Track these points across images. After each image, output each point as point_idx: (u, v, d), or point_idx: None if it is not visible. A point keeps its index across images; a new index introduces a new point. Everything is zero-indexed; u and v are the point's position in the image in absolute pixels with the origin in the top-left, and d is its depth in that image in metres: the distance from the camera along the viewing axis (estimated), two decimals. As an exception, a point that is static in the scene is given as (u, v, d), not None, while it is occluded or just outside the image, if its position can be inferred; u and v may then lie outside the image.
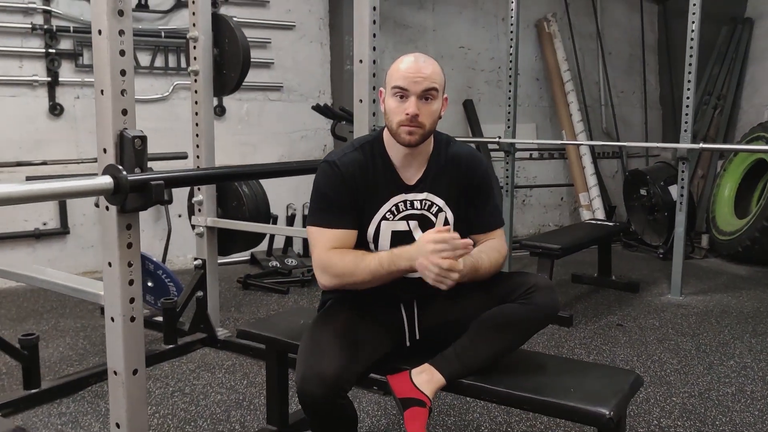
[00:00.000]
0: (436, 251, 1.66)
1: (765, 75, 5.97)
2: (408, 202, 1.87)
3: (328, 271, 1.79)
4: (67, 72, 4.53)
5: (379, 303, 1.91)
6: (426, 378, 1.77)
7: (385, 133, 1.88)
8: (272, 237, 4.89)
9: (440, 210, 1.89)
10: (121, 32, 1.71)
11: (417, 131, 1.77)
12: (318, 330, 1.82)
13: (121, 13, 1.70)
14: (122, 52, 1.71)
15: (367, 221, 1.86)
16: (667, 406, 2.66)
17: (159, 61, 4.80)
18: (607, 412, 1.58)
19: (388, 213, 1.86)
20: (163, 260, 4.63)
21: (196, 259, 3.23)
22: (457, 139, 2.01)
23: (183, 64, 4.86)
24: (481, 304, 1.85)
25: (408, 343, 1.94)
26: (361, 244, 1.87)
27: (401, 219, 1.87)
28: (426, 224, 1.88)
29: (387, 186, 1.86)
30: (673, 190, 5.18)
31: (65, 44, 4.51)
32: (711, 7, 4.09)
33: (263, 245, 4.68)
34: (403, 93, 1.77)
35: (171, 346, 3.08)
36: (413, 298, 1.93)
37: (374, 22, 2.60)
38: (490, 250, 1.88)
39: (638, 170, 5.76)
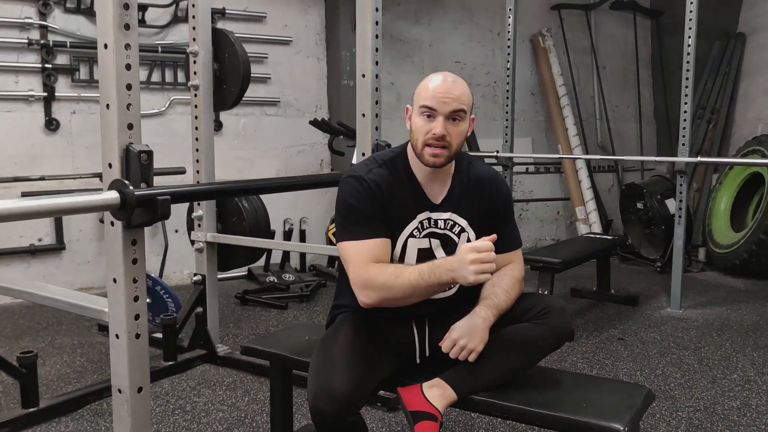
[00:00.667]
0: (476, 262, 1.62)
1: (758, 89, 6.01)
2: (432, 221, 1.86)
3: (368, 287, 1.72)
4: (63, 87, 4.52)
5: (390, 320, 1.90)
6: (438, 392, 1.75)
7: (409, 150, 1.86)
8: (269, 252, 4.86)
9: (463, 230, 1.89)
10: (128, 46, 1.69)
11: (443, 153, 1.76)
12: (329, 347, 1.80)
13: (127, 27, 1.69)
14: (128, 66, 1.70)
15: (393, 239, 1.83)
16: (673, 420, 2.64)
17: (156, 76, 4.79)
18: (622, 428, 1.57)
19: (415, 230, 1.85)
20: (160, 276, 4.59)
21: (195, 274, 3.20)
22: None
23: (180, 79, 4.86)
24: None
25: (418, 360, 1.92)
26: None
27: (425, 236, 1.85)
28: (448, 244, 1.87)
29: (413, 203, 1.84)
30: (670, 203, 5.20)
31: (61, 59, 4.50)
32: (704, 23, 4.13)
33: (260, 260, 4.66)
34: (430, 113, 1.75)
35: (171, 362, 3.04)
36: (425, 315, 1.92)
37: (377, 36, 2.60)
38: (507, 284, 1.86)
39: (635, 184, 5.78)
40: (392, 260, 1.84)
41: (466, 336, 1.74)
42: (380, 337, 1.85)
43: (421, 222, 1.85)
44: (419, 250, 1.85)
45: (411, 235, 1.84)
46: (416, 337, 1.91)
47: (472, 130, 1.88)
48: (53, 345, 3.53)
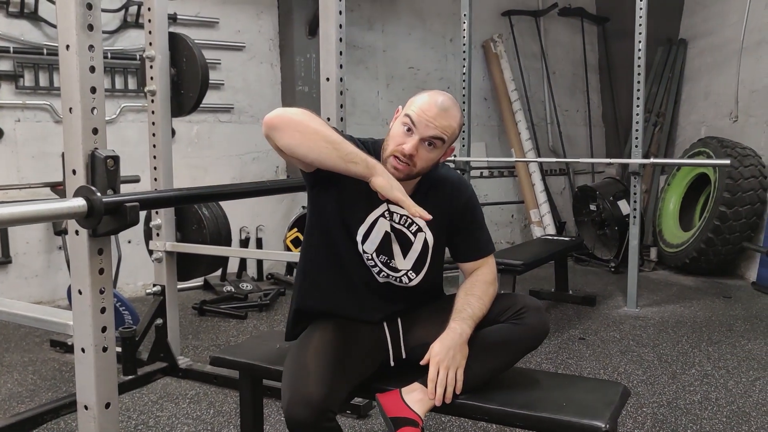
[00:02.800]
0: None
1: (700, 93, 6.22)
2: (390, 212, 1.83)
3: (285, 113, 1.69)
4: (6, 94, 4.34)
5: (361, 323, 1.88)
6: (417, 397, 1.72)
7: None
8: (227, 261, 4.77)
9: (420, 230, 1.86)
10: (91, 47, 1.63)
11: (404, 169, 1.73)
12: (302, 353, 1.75)
13: (90, 27, 1.63)
14: (92, 69, 1.64)
15: (361, 214, 1.81)
16: (639, 417, 2.69)
17: (105, 83, 4.64)
18: (603, 425, 1.57)
19: (386, 212, 1.82)
20: (113, 288, 4.45)
21: (155, 285, 3.10)
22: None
23: (131, 86, 4.73)
24: None
25: (392, 363, 1.89)
26: (352, 230, 1.82)
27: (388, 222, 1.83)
28: (403, 241, 1.85)
29: (375, 194, 1.78)
30: (622, 204, 5.32)
31: (4, 65, 4.32)
32: (647, 29, 4.25)
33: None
34: (411, 127, 1.72)
35: (131, 377, 2.93)
36: (396, 316, 1.90)
37: (341, 39, 2.58)
38: (481, 290, 1.84)
39: (588, 186, 5.89)
40: (358, 230, 1.82)
41: (448, 359, 1.72)
42: (354, 341, 1.82)
43: (383, 213, 1.82)
44: (386, 232, 1.82)
45: (383, 215, 1.82)
46: (389, 340, 1.89)
47: (444, 160, 1.84)
48: (2, 363, 3.37)
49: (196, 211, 3.14)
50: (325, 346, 1.76)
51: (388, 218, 1.83)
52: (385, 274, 1.86)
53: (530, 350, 1.85)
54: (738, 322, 4.01)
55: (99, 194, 1.56)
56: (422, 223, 1.85)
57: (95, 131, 1.65)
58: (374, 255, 1.84)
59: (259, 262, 5.18)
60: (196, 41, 3.13)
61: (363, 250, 1.83)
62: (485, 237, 1.95)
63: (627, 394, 1.80)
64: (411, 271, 1.87)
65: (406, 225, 1.85)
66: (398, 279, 1.87)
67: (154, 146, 3.04)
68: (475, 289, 1.85)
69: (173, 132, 4.87)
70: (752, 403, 2.83)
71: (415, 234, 1.86)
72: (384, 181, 1.66)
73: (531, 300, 1.85)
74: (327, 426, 1.60)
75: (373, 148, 1.85)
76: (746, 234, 4.98)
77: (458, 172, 2.03)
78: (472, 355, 1.75)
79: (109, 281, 1.70)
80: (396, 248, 1.85)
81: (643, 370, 3.22)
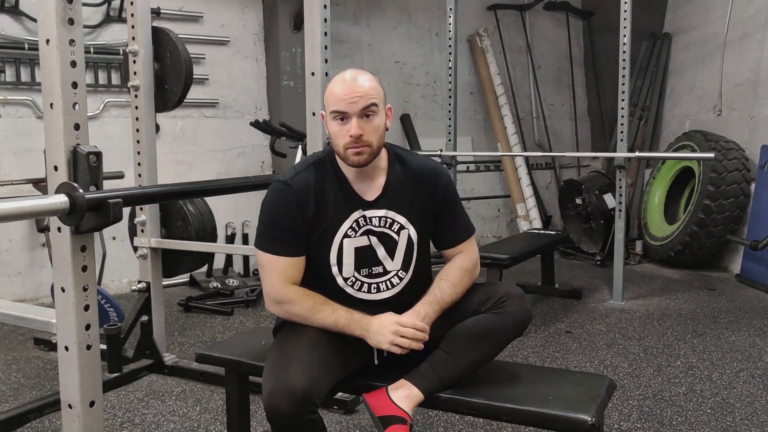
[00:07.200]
0: (395, 339, 1.71)
1: (684, 87, 6.25)
2: (366, 218, 1.82)
3: (282, 306, 1.79)
4: (-13, 90, 4.29)
5: None
6: (404, 394, 1.72)
7: None
8: (213, 257, 4.74)
9: (402, 228, 1.85)
10: (72, 42, 1.62)
11: (365, 150, 1.74)
12: (284, 345, 1.75)
13: (71, 22, 1.61)
14: (73, 63, 1.63)
15: (327, 242, 1.80)
16: (624, 409, 2.70)
17: (88, 78, 4.59)
18: (589, 419, 1.58)
19: (350, 230, 1.81)
20: (98, 285, 4.42)
21: (140, 282, 3.08)
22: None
23: (114, 81, 4.69)
24: (451, 317, 1.83)
25: (377, 361, 1.88)
26: (323, 267, 1.82)
27: (362, 234, 1.82)
28: (387, 242, 1.84)
29: (344, 203, 1.80)
30: (608, 198, 5.34)
31: (-15, 61, 4.27)
32: (632, 23, 4.27)
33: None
34: (342, 116, 1.73)
35: (116, 374, 2.91)
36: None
37: (326, 33, 2.57)
38: (455, 277, 1.86)
39: (573, 180, 5.90)
40: (329, 266, 1.82)
41: (409, 333, 1.74)
42: (337, 336, 1.80)
43: (355, 221, 1.81)
44: (357, 249, 1.82)
45: (346, 235, 1.81)
46: None
47: (391, 121, 1.84)
48: (-15, 362, 3.34)
49: (180, 207, 3.12)
50: (308, 338, 1.75)
51: (363, 225, 1.82)
52: (367, 286, 1.85)
53: (513, 339, 1.85)
54: (722, 314, 4.04)
55: (81, 191, 1.55)
56: (404, 220, 1.85)
57: (77, 127, 1.63)
58: (354, 275, 1.83)
59: (245, 258, 5.16)
60: (179, 36, 3.10)
61: (343, 278, 1.82)
62: (464, 221, 1.95)
63: (613, 387, 1.81)
64: (401, 270, 1.86)
65: (387, 225, 1.84)
66: (385, 283, 1.85)
67: (138, 142, 3.01)
68: (450, 275, 1.86)
69: (157, 127, 4.80)
70: (736, 394, 2.85)
71: (398, 232, 1.85)
72: (375, 339, 1.73)
73: (512, 288, 1.85)
74: (308, 418, 1.58)
75: (329, 155, 1.85)
76: (730, 227, 5.02)
77: (432, 159, 2.02)
78: (456, 347, 1.76)
79: (93, 278, 1.68)
80: (381, 252, 1.84)
81: (629, 362, 3.24)
